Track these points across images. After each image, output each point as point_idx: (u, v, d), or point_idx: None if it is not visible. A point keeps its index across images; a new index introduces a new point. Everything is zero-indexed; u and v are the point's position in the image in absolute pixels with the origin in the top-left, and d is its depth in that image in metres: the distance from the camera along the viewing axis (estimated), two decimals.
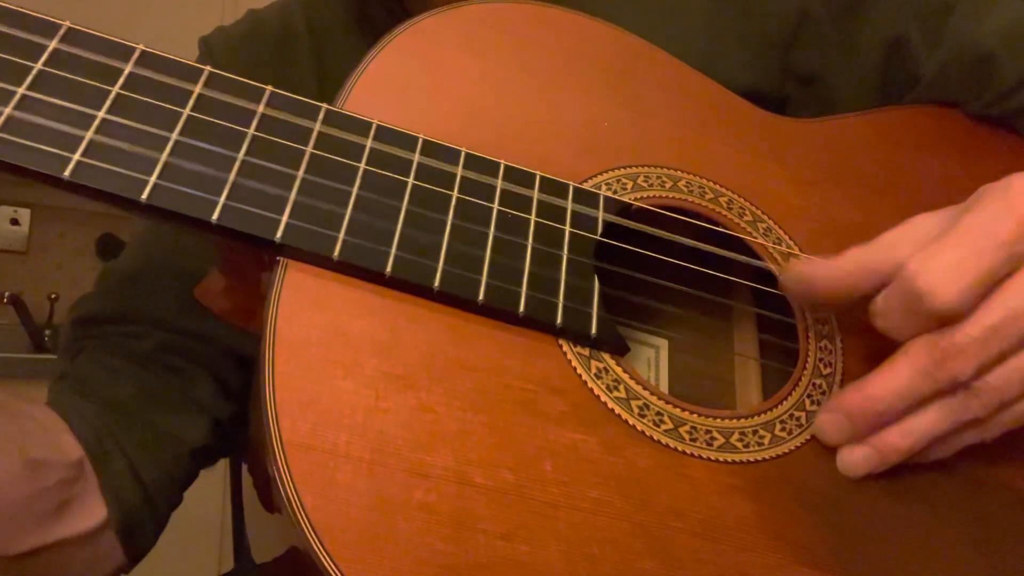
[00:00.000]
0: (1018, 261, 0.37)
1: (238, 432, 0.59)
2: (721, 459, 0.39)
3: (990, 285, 0.37)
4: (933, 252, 0.37)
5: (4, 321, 1.86)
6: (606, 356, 0.40)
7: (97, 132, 0.35)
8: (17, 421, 0.44)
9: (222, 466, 0.79)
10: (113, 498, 0.48)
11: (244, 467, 0.80)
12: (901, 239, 0.39)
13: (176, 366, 0.55)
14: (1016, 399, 0.38)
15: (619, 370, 0.40)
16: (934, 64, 0.55)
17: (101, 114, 0.36)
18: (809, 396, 0.43)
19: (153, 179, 0.35)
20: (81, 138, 0.35)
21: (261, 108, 0.39)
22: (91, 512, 0.47)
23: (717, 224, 0.47)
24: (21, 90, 0.35)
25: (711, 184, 0.48)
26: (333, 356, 0.35)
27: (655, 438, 0.39)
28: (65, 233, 2.03)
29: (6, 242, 1.96)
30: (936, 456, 0.41)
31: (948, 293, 0.36)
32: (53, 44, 0.36)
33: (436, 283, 0.38)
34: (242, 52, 0.63)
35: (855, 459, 0.40)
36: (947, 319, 0.37)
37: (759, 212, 0.48)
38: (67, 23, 0.37)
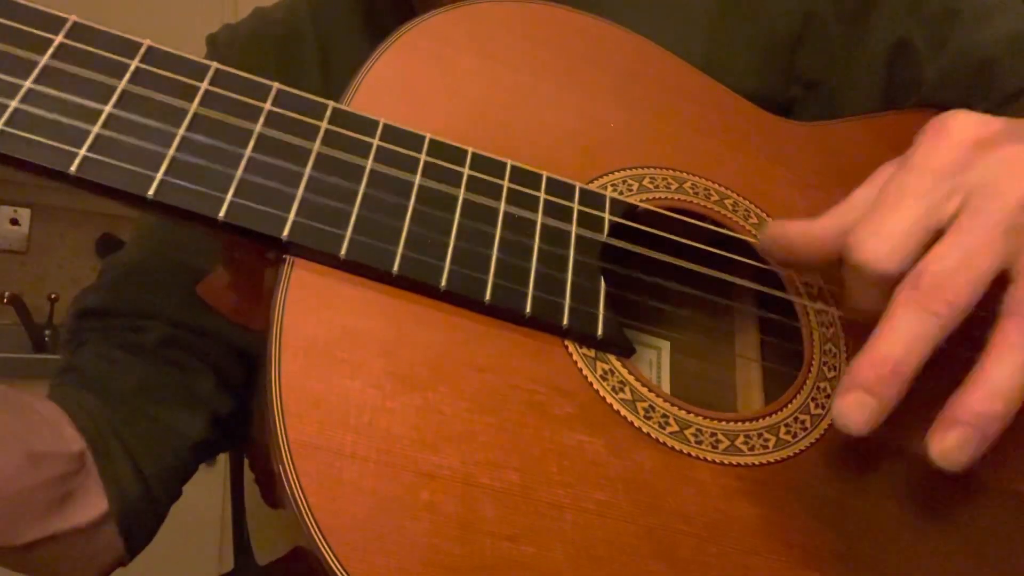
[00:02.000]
0: (964, 191, 0.36)
1: (239, 427, 0.59)
2: (726, 462, 0.39)
3: (924, 233, 0.36)
4: (867, 219, 0.37)
5: (4, 321, 1.85)
6: (612, 357, 0.40)
7: (103, 128, 0.35)
8: (19, 414, 0.44)
9: (222, 463, 0.79)
10: (114, 491, 0.48)
11: (245, 464, 0.80)
12: (864, 196, 0.39)
13: (177, 360, 0.55)
14: None
15: (625, 372, 0.40)
16: (937, 69, 0.55)
17: (107, 109, 0.35)
18: (814, 399, 0.43)
19: (160, 175, 0.35)
20: (87, 133, 0.35)
21: (268, 105, 0.39)
22: (92, 504, 0.47)
23: (722, 226, 0.47)
24: (27, 84, 0.35)
25: (716, 186, 0.48)
26: (339, 355, 0.35)
27: (661, 440, 0.39)
28: (65, 233, 2.03)
29: (6, 242, 1.96)
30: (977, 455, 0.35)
31: (879, 256, 0.36)
32: (59, 39, 0.36)
33: (443, 283, 0.37)
34: (249, 50, 0.64)
35: (949, 446, 0.34)
36: (897, 275, 0.36)
37: (763, 215, 0.48)
38: (73, 17, 0.37)
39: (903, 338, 0.34)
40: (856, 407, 0.35)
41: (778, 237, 0.41)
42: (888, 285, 0.36)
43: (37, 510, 0.43)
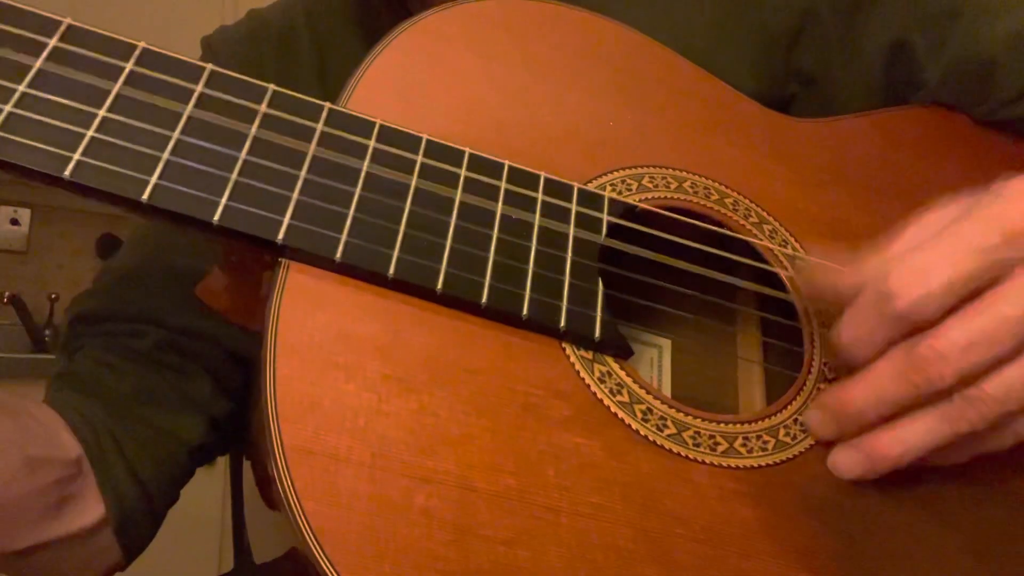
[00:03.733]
0: (1002, 268, 0.36)
1: (236, 430, 0.59)
2: (724, 464, 0.39)
3: (964, 291, 0.36)
4: (909, 255, 0.36)
5: (4, 321, 1.85)
6: (610, 360, 0.40)
7: (98, 131, 0.35)
8: (16, 419, 0.44)
9: (222, 464, 0.78)
10: (111, 496, 0.48)
11: (245, 465, 0.80)
12: (900, 242, 0.39)
13: (174, 364, 0.55)
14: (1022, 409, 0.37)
15: (623, 374, 0.40)
16: (938, 70, 0.55)
17: (102, 113, 0.35)
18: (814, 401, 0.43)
19: (154, 179, 0.35)
20: (82, 137, 0.34)
21: (263, 107, 0.38)
22: (89, 510, 0.47)
23: (722, 226, 0.46)
24: (21, 88, 0.34)
25: (716, 185, 0.48)
26: (335, 359, 0.35)
27: (658, 443, 0.38)
28: (65, 233, 2.03)
29: (6, 242, 1.96)
30: (950, 461, 0.40)
31: (912, 294, 0.35)
32: (54, 42, 0.36)
33: (439, 285, 0.37)
34: (244, 52, 0.63)
35: (841, 460, 0.40)
36: (916, 324, 0.36)
37: (764, 214, 0.48)
38: (68, 20, 0.37)
39: (875, 391, 0.37)
40: (819, 424, 0.41)
41: (816, 286, 0.42)
42: (897, 329, 0.36)
43: (34, 516, 0.43)
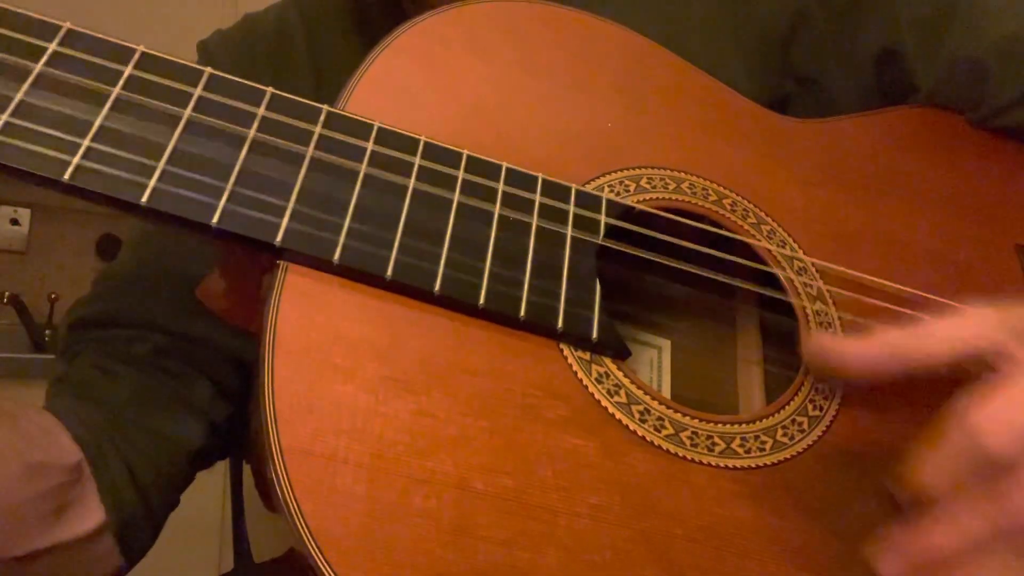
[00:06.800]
0: None
1: (236, 434, 0.59)
2: (722, 465, 0.39)
3: None
4: (991, 396, 0.35)
5: (4, 321, 1.85)
6: (607, 360, 0.40)
7: (96, 135, 0.35)
8: (16, 425, 0.44)
9: (222, 466, 0.78)
10: (111, 501, 0.48)
11: (244, 466, 0.80)
12: (942, 335, 0.38)
13: (173, 369, 0.55)
14: None
15: (620, 374, 0.40)
16: (929, 77, 0.55)
17: (101, 116, 0.35)
18: (812, 401, 0.43)
19: (152, 182, 0.35)
20: (80, 141, 0.35)
21: (262, 110, 0.39)
22: (89, 515, 0.47)
23: (721, 226, 0.46)
24: (20, 93, 0.35)
25: (715, 186, 0.48)
26: (333, 360, 0.35)
27: (656, 443, 0.38)
28: (65, 233, 2.03)
29: (6, 242, 1.96)
30: None
31: (1004, 437, 0.34)
32: (53, 46, 0.36)
33: (437, 287, 0.37)
34: (240, 56, 0.63)
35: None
36: (998, 466, 0.34)
37: (763, 214, 0.48)
38: (67, 24, 0.37)
39: (959, 539, 0.35)
40: (889, 568, 0.36)
41: (828, 355, 0.40)
42: (978, 466, 0.35)
43: (34, 521, 0.43)
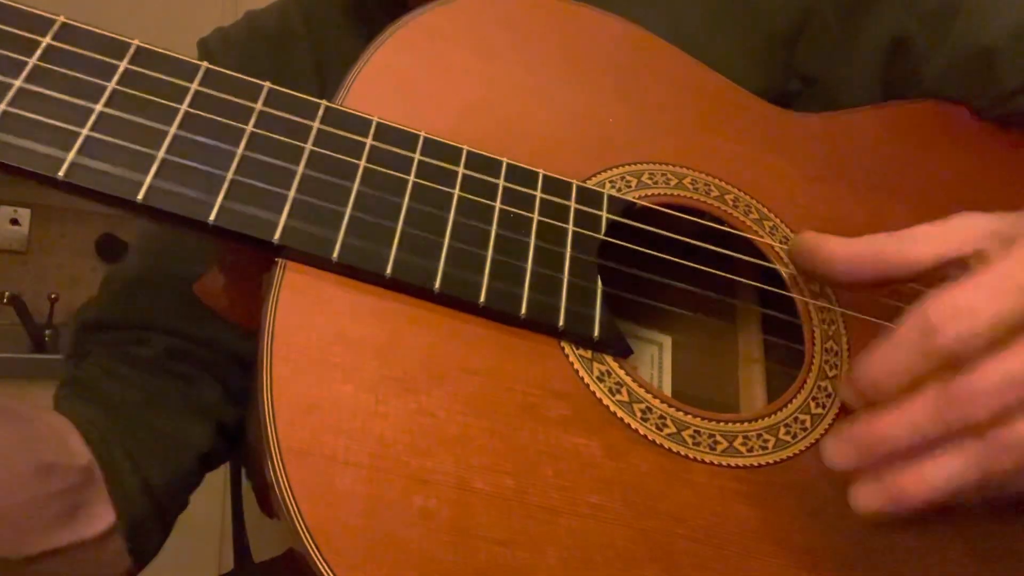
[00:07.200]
0: None
1: (244, 435, 0.59)
2: (724, 463, 0.39)
3: (1005, 330, 0.34)
4: (953, 290, 0.35)
5: (4, 321, 1.85)
6: (609, 359, 0.40)
7: (92, 131, 0.35)
8: (27, 425, 0.44)
9: (222, 467, 0.78)
10: (121, 503, 0.48)
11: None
12: (927, 238, 0.38)
13: (182, 372, 0.55)
14: None
15: (622, 373, 0.40)
16: (937, 64, 0.55)
17: (96, 112, 0.35)
18: (814, 399, 0.43)
19: (149, 179, 0.35)
20: (76, 137, 0.34)
21: (259, 105, 0.38)
22: (100, 517, 0.47)
23: (723, 222, 0.46)
24: (14, 88, 0.34)
25: (717, 181, 0.47)
26: (332, 359, 0.35)
27: (657, 442, 0.38)
28: (65, 233, 2.03)
29: (6, 242, 1.96)
30: (971, 503, 0.37)
31: (959, 331, 0.34)
32: (47, 40, 0.36)
33: (437, 285, 0.37)
34: (241, 53, 0.63)
35: (863, 496, 0.37)
36: (955, 361, 0.34)
37: (765, 210, 0.48)
38: (62, 18, 0.36)
39: (906, 429, 0.35)
40: (839, 456, 0.37)
41: (814, 250, 0.40)
42: (934, 365, 0.35)
43: (44, 522, 0.43)
